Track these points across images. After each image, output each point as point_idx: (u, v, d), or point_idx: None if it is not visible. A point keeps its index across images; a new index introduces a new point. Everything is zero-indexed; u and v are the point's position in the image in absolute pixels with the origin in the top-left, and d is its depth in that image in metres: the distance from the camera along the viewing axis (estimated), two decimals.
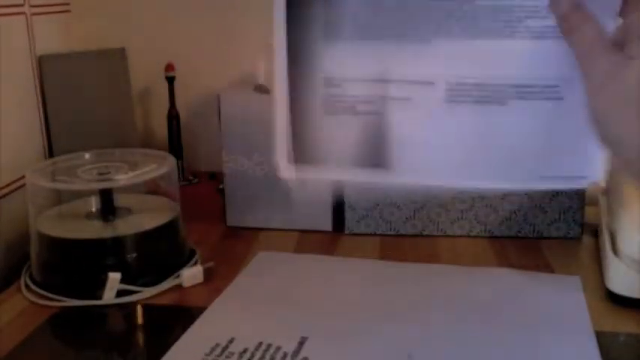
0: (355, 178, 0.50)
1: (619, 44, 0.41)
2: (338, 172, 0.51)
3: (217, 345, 0.53)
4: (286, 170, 0.51)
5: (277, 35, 0.49)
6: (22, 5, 0.79)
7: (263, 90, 0.78)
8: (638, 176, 0.42)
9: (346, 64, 0.48)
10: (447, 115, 0.48)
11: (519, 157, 0.48)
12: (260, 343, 0.53)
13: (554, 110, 0.47)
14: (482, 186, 0.51)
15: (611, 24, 0.43)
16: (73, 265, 0.64)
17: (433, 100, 0.48)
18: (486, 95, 0.47)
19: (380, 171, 0.49)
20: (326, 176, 0.51)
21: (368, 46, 0.48)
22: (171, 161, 0.70)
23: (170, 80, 0.89)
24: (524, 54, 0.46)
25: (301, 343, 0.53)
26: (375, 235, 0.77)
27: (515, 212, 0.75)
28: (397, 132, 0.49)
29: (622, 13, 0.43)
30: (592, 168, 0.47)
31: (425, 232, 0.77)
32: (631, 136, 0.40)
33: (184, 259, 0.69)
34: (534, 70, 0.46)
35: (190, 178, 0.92)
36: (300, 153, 0.50)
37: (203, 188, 0.89)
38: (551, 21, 0.44)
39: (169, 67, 0.88)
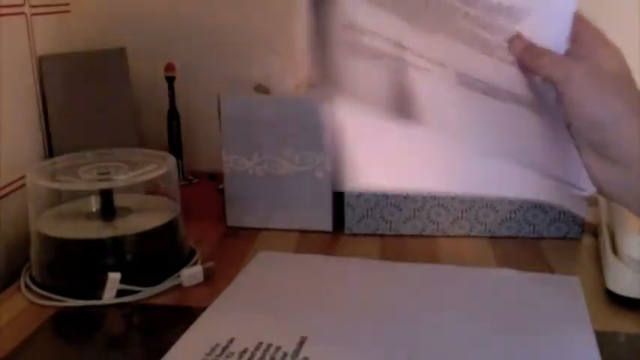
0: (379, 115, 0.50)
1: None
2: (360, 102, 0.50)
3: (217, 345, 0.53)
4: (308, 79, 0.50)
5: None
6: (22, 5, 0.79)
7: (263, 90, 0.78)
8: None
9: (368, 19, 0.49)
10: (458, 93, 0.49)
11: (525, 154, 0.50)
12: (260, 343, 0.53)
13: (537, 123, 0.50)
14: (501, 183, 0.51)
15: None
16: (73, 265, 0.64)
17: (447, 79, 0.49)
18: (489, 90, 0.49)
19: (404, 118, 0.49)
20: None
21: (387, 15, 0.49)
22: (171, 161, 0.70)
23: (170, 80, 0.89)
24: (509, 72, 0.49)
25: (301, 343, 0.53)
26: (375, 235, 0.77)
27: (515, 212, 0.75)
28: (418, 91, 0.49)
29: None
30: (581, 180, 0.49)
31: (425, 232, 0.77)
32: (626, 121, 0.45)
33: (184, 259, 0.69)
34: (517, 84, 0.49)
35: (190, 178, 0.92)
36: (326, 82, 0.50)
37: (203, 188, 0.89)
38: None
39: (169, 67, 0.88)
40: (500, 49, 0.49)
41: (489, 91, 0.49)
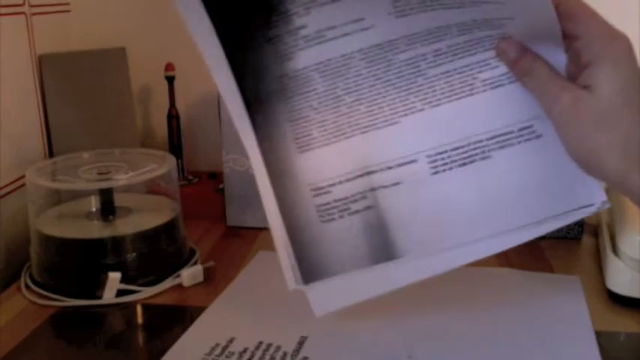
0: (367, 284, 0.50)
1: (572, 75, 0.43)
2: (350, 281, 0.50)
3: (217, 345, 0.53)
4: (294, 286, 0.51)
5: (254, 160, 0.49)
6: (22, 5, 0.78)
7: None
8: (628, 193, 0.43)
9: (327, 170, 0.48)
10: (437, 186, 0.48)
11: (522, 205, 0.48)
12: (260, 343, 0.53)
13: (539, 149, 0.47)
14: (492, 248, 0.50)
15: (562, 56, 0.44)
16: (73, 265, 0.64)
17: (421, 177, 0.48)
18: (468, 155, 0.47)
19: (391, 263, 0.49)
20: (338, 290, 0.50)
21: (343, 146, 0.48)
22: (171, 161, 0.70)
23: (170, 80, 0.89)
24: (490, 105, 0.46)
25: (301, 343, 0.53)
26: None
27: None
28: (396, 218, 0.49)
29: (566, 45, 0.44)
30: (595, 192, 0.47)
31: None
32: (606, 159, 0.42)
33: (184, 259, 0.69)
34: (504, 117, 0.47)
35: (190, 178, 0.92)
36: (307, 269, 0.50)
37: (203, 188, 0.89)
38: (503, 69, 0.45)
39: (169, 67, 0.88)
40: (488, 69, 0.45)
41: (468, 152, 0.47)
